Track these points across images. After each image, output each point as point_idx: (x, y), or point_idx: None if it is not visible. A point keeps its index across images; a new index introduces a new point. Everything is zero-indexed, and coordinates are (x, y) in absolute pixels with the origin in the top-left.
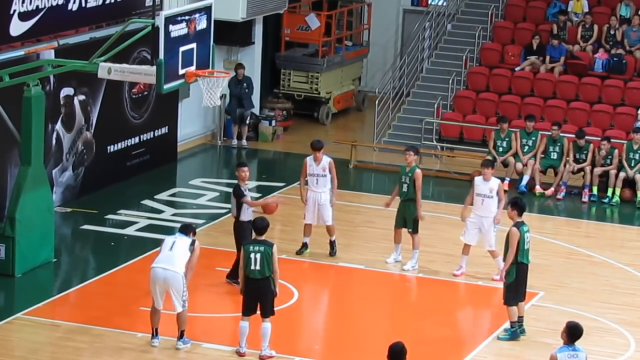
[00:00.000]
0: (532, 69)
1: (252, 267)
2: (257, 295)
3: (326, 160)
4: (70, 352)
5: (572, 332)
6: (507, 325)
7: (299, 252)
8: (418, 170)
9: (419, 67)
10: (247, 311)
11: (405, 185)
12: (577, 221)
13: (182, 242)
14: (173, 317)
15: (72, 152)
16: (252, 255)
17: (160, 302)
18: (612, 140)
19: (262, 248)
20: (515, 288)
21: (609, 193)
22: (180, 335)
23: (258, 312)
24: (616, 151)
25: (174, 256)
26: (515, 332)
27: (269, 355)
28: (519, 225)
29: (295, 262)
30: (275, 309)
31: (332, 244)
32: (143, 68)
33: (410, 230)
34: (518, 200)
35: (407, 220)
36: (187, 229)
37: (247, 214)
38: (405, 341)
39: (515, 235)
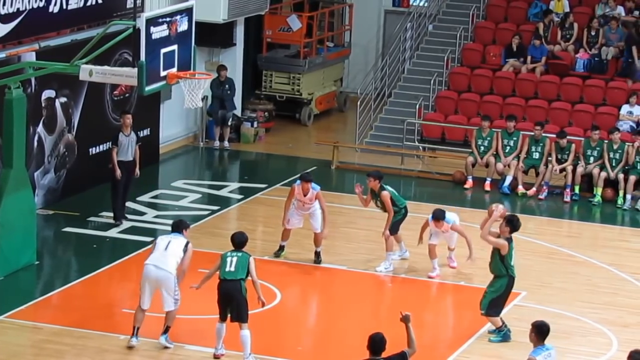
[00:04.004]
0: (513, 70)
1: (227, 269)
2: (227, 297)
3: (313, 192)
4: (53, 355)
5: (541, 331)
6: (491, 327)
7: (277, 255)
8: (383, 193)
9: (401, 68)
10: (222, 315)
11: (380, 208)
12: (559, 221)
13: (176, 242)
14: (159, 319)
15: (53, 155)
16: (228, 259)
17: (147, 301)
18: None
19: (239, 254)
20: (503, 301)
21: (594, 192)
22: (165, 330)
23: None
24: (604, 144)
25: (167, 256)
26: (506, 333)
27: None
28: (509, 241)
29: (277, 264)
30: (249, 312)
31: (317, 254)
32: (125, 70)
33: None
34: (514, 220)
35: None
36: (180, 226)
37: (121, 154)
38: (389, 341)
39: (505, 246)
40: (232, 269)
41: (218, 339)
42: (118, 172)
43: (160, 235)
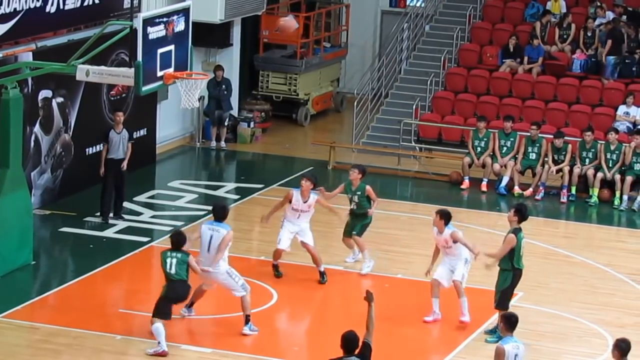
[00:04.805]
0: (510, 70)
1: (168, 270)
2: (177, 296)
3: (313, 197)
4: (49, 355)
5: (510, 321)
6: (488, 326)
7: (277, 275)
8: (368, 187)
9: (397, 68)
10: (168, 315)
11: (354, 204)
12: (556, 221)
13: (217, 237)
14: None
15: (50, 155)
16: (168, 260)
17: (208, 286)
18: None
19: (179, 255)
20: (510, 293)
21: (590, 193)
22: (246, 321)
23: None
24: (599, 144)
25: (212, 257)
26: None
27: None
28: (517, 231)
29: (269, 264)
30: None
31: (321, 274)
32: (121, 70)
33: (355, 232)
34: (522, 208)
35: (357, 226)
36: (222, 215)
37: (112, 151)
38: (384, 342)
39: (512, 241)
40: (173, 270)
41: (162, 335)
42: (102, 170)
43: (205, 224)
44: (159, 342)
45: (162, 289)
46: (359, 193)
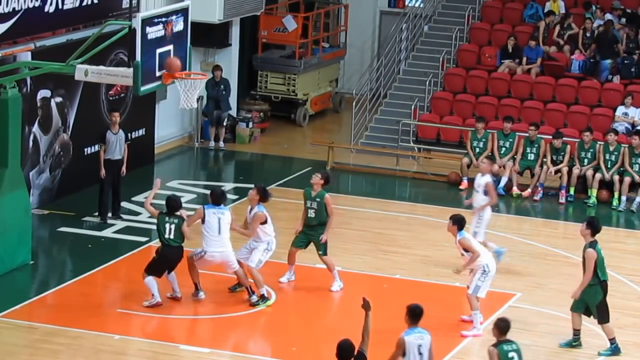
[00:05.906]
0: (508, 71)
1: (167, 236)
2: (171, 261)
3: (255, 211)
4: (48, 355)
5: (414, 313)
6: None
7: (255, 303)
8: (327, 196)
9: (396, 69)
10: (160, 274)
11: (312, 211)
12: (554, 222)
13: (225, 219)
14: (158, 319)
15: (49, 154)
16: (167, 225)
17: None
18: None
19: (176, 220)
20: (605, 305)
21: (589, 193)
22: (250, 292)
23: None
24: (598, 145)
25: (223, 239)
26: (617, 347)
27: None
28: (593, 245)
29: (271, 264)
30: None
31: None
32: (120, 70)
33: (320, 253)
34: (594, 221)
35: (316, 244)
36: (224, 199)
37: (109, 152)
38: (383, 343)
39: (593, 256)
40: (172, 236)
41: (155, 287)
42: (102, 171)
43: (207, 209)
44: (152, 295)
45: (156, 252)
46: (317, 200)
